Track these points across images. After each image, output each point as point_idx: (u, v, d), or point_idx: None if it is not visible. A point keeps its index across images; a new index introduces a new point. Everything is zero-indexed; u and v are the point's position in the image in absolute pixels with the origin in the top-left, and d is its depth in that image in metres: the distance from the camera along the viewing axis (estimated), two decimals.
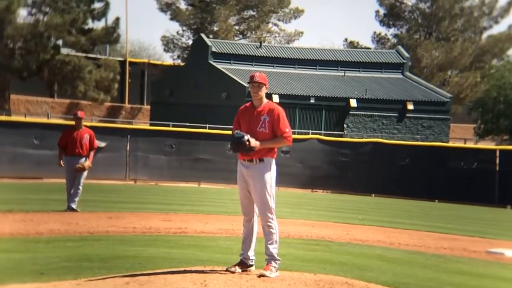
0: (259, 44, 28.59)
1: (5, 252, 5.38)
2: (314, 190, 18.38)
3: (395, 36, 36.87)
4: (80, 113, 8.91)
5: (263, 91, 4.41)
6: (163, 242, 6.34)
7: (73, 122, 9.11)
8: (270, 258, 4.33)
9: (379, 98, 26.32)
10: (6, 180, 14.95)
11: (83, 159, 8.68)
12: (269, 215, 4.34)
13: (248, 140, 4.29)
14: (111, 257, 5.22)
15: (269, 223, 4.35)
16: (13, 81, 25.13)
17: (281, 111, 4.42)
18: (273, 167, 4.39)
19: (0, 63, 23.98)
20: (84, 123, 8.96)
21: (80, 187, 8.58)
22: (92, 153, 8.73)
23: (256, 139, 4.31)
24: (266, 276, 4.23)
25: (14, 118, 20.83)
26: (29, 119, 21.07)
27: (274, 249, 4.34)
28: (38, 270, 4.54)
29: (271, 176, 4.34)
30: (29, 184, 14.55)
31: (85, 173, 8.69)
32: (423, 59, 33.97)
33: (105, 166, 15.87)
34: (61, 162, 8.64)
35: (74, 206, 8.58)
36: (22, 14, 24.54)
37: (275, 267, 4.31)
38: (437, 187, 17.36)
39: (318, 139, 18.95)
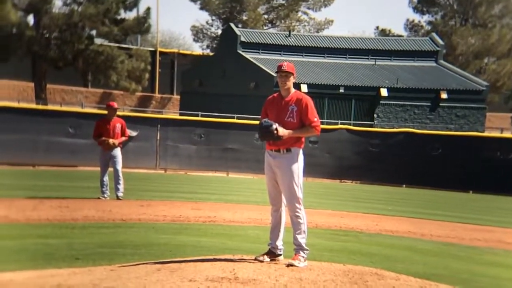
0: (288, 33, 28.35)
1: (41, 238, 5.57)
2: (342, 180, 18.22)
3: (429, 23, 35.85)
4: (114, 104, 9.09)
5: (291, 81, 4.39)
6: (193, 230, 6.44)
7: (105, 112, 9.31)
8: (299, 248, 4.35)
9: (411, 87, 25.72)
10: (42, 168, 15.46)
11: (117, 150, 8.87)
12: (296, 205, 4.35)
13: (276, 129, 4.29)
14: (143, 244, 5.33)
15: (297, 213, 4.36)
16: (49, 70, 25.82)
17: (309, 100, 4.40)
18: (301, 157, 4.39)
19: (37, 52, 24.65)
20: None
21: (120, 175, 8.75)
22: (123, 138, 8.89)
23: (284, 129, 4.31)
24: (295, 266, 4.25)
25: (50, 107, 21.40)
26: (65, 108, 21.62)
27: (302, 239, 4.35)
28: (74, 255, 4.70)
29: (298, 166, 4.34)
30: (64, 171, 14.97)
31: (120, 161, 8.86)
32: (458, 46, 32.95)
33: (136, 155, 16.18)
34: (103, 140, 8.69)
35: (120, 194, 8.75)
36: (58, 4, 25.17)
37: (303, 257, 4.33)
38: (472, 177, 16.93)
39: (347, 129, 18.74)
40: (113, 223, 6.69)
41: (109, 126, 8.89)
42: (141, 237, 5.82)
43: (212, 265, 4.17)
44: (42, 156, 15.82)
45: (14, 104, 19.54)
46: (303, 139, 4.41)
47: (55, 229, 6.11)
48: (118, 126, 8.94)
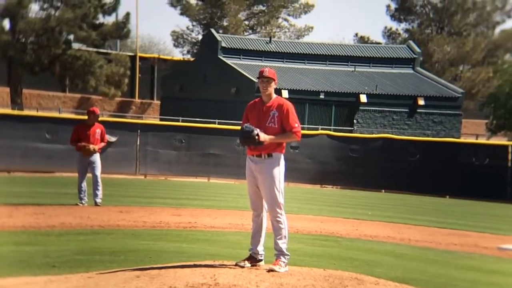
0: (268, 39, 28.52)
1: (16, 245, 5.45)
2: (323, 185, 18.34)
3: (406, 31, 36.52)
4: (96, 110, 8.98)
5: (272, 87, 4.41)
6: (173, 236, 6.38)
7: (85, 117, 9.17)
8: (279, 253, 4.35)
9: (390, 94, 26.14)
10: (18, 174, 15.12)
11: (96, 155, 8.76)
12: (278, 210, 4.35)
13: (257, 134, 4.30)
14: (122, 251, 5.26)
15: (278, 218, 4.36)
16: (25, 75, 25.36)
17: (290, 106, 4.42)
18: (282, 162, 4.40)
19: (12, 57, 24.22)
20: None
21: (99, 181, 8.64)
22: (102, 144, 8.79)
23: (266, 134, 4.32)
24: (275, 271, 4.24)
25: (26, 112, 21.02)
26: (41, 113, 21.23)
27: (283, 244, 4.35)
28: (50, 263, 4.60)
29: (279, 172, 4.35)
30: (41, 177, 14.69)
31: (99, 167, 8.74)
32: (434, 54, 33.62)
33: (115, 160, 15.97)
34: (83, 145, 8.59)
35: (98, 200, 8.63)
36: (34, 9, 24.76)
37: (284, 262, 4.32)
38: (448, 183, 17.24)
39: (328, 135, 18.89)
40: (91, 229, 6.59)
41: (89, 131, 8.78)
42: (120, 243, 5.75)
43: (192, 271, 4.13)
44: (18, 162, 15.49)
45: None
46: (284, 145, 4.42)
47: (30, 236, 5.99)
48: (98, 131, 8.83)
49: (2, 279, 4.01)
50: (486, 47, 34.37)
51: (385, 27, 37.31)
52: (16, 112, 19.51)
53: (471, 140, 24.13)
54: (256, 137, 4.30)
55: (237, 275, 4.08)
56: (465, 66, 35.32)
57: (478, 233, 8.74)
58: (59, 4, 24.49)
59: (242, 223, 7.47)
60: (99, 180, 8.70)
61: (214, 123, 20.29)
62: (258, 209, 4.43)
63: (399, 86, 26.86)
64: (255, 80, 23.45)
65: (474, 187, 16.86)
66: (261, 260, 4.43)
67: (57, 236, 6.03)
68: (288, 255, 4.36)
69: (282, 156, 4.41)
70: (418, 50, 28.74)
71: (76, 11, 23.95)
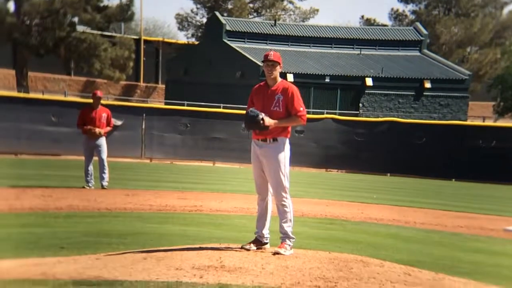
0: (273, 22, 28.23)
1: (25, 227, 5.51)
2: (328, 169, 18.34)
3: (413, 12, 36.03)
4: (99, 93, 8.99)
5: (277, 70, 4.38)
6: (179, 219, 6.42)
7: (90, 101, 9.20)
8: (285, 236, 4.37)
9: (396, 77, 25.92)
10: (24, 156, 15.23)
11: (102, 139, 8.79)
12: (283, 194, 4.36)
13: (262, 119, 4.29)
14: (129, 233, 5.31)
15: (283, 202, 4.38)
16: (30, 58, 25.31)
17: (295, 89, 4.39)
18: (287, 146, 4.39)
19: (17, 40, 24.15)
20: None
21: (105, 164, 8.68)
22: (108, 128, 8.82)
23: (271, 118, 4.31)
24: (281, 254, 4.28)
25: (32, 95, 21.04)
26: (47, 96, 21.28)
27: (288, 227, 4.38)
28: (58, 244, 4.65)
29: (285, 156, 4.34)
30: (47, 160, 14.78)
31: (105, 150, 8.79)
32: (441, 35, 33.21)
33: (121, 144, 16.03)
34: (89, 129, 8.62)
35: (105, 183, 8.69)
36: None
37: (289, 245, 4.35)
38: (455, 166, 17.17)
39: (333, 119, 18.82)
40: (98, 212, 6.64)
41: (95, 115, 8.79)
42: (127, 226, 5.79)
43: (198, 253, 4.16)
44: (24, 145, 15.58)
45: None
46: (289, 129, 4.41)
47: (38, 218, 6.04)
48: (104, 115, 8.85)
49: (11, 260, 4.07)
50: (494, 28, 33.86)
51: (392, 9, 36.94)
52: (22, 94, 19.55)
53: (478, 122, 23.96)
54: (261, 121, 4.28)
55: (243, 257, 4.11)
56: (473, 47, 34.89)
57: (485, 216, 8.73)
58: None
59: (247, 207, 7.51)
60: (105, 163, 8.75)
61: (219, 107, 20.24)
62: (263, 193, 4.44)
63: (405, 69, 26.61)
64: (260, 63, 23.30)
65: (481, 170, 16.80)
66: (266, 243, 4.45)
67: (65, 218, 6.08)
68: (293, 238, 4.38)
69: (287, 140, 4.40)
70: (425, 32, 28.37)
71: None
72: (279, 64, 4.38)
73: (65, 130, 15.26)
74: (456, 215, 8.54)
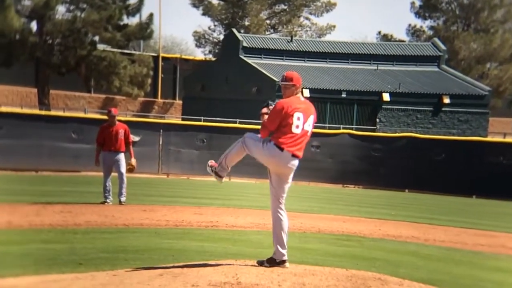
0: (290, 38, 28.41)
1: (44, 243, 5.59)
2: (345, 185, 18.20)
3: (431, 28, 35.86)
4: (114, 111, 9.12)
5: (288, 90, 4.42)
6: (195, 235, 6.44)
7: (107, 117, 9.34)
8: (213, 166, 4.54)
9: (413, 92, 25.71)
10: (45, 173, 15.49)
11: (120, 154, 8.92)
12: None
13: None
14: (146, 249, 5.34)
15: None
16: (52, 76, 25.92)
17: (277, 105, 4.37)
18: (270, 151, 4.30)
19: (40, 58, 24.78)
20: (118, 118, 9.18)
21: (124, 179, 8.79)
22: (132, 149, 8.97)
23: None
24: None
25: (53, 112, 21.48)
26: (68, 113, 21.68)
27: (223, 156, 4.51)
28: (76, 261, 4.71)
29: (267, 162, 4.33)
30: (67, 177, 15.00)
31: (124, 165, 8.90)
32: (460, 51, 32.93)
33: (138, 160, 15.91)
34: (98, 161, 8.87)
35: (123, 199, 8.78)
36: (61, 11, 25.29)
37: (215, 167, 4.50)
38: (475, 182, 16.86)
39: (349, 134, 18.72)
40: (115, 228, 6.70)
41: (113, 131, 8.93)
42: (144, 242, 5.83)
43: (214, 270, 4.17)
44: (45, 161, 15.86)
45: (18, 110, 19.60)
46: (277, 135, 4.33)
47: (57, 234, 6.13)
48: (121, 132, 8.97)
49: (30, 277, 4.12)
50: None
51: (409, 25, 36.74)
52: (43, 112, 19.99)
53: (499, 139, 23.54)
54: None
55: (259, 274, 4.09)
56: (492, 63, 34.47)
57: (506, 234, 8.56)
58: (84, 5, 24.95)
59: (264, 223, 7.48)
60: (125, 178, 8.84)
61: (235, 122, 20.34)
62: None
63: (423, 84, 26.40)
64: (276, 79, 23.30)
65: (501, 187, 16.46)
66: (285, 260, 4.42)
67: (83, 234, 6.15)
68: (220, 167, 4.47)
69: (271, 145, 4.32)
70: (443, 47, 28.18)
71: (101, 12, 24.35)
72: (288, 84, 4.40)
73: (85, 147, 15.50)
74: (476, 233, 8.40)
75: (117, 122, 9.03)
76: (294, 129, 4.33)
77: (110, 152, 8.91)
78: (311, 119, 4.41)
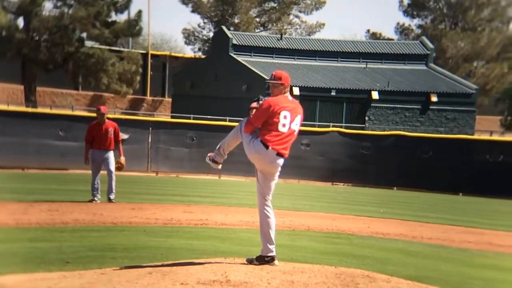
0: (279, 36, 28.43)
1: (31, 241, 5.53)
2: (334, 183, 18.28)
3: (419, 26, 36.16)
4: (103, 109, 9.05)
5: (276, 88, 4.43)
6: (185, 233, 6.42)
7: (95, 115, 9.27)
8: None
9: (402, 90, 25.91)
10: (32, 171, 15.32)
11: (110, 152, 8.86)
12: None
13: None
14: (134, 247, 5.31)
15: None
16: (39, 73, 25.62)
17: (264, 104, 4.36)
18: (256, 148, 4.32)
19: (26, 55, 24.48)
20: (106, 116, 9.10)
21: (113, 177, 8.74)
22: (121, 147, 8.90)
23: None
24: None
25: (40, 110, 21.25)
26: (55, 111, 21.45)
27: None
28: (64, 259, 4.66)
29: (252, 159, 4.34)
30: (54, 174, 14.85)
31: (113, 163, 8.84)
32: (448, 50, 33.26)
33: (127, 158, 15.95)
34: (87, 159, 8.79)
35: (112, 197, 8.73)
36: (48, 7, 25.01)
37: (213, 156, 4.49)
38: (462, 180, 17.04)
39: (339, 132, 18.79)
40: (104, 226, 6.65)
41: (102, 129, 8.86)
42: (132, 240, 5.80)
43: (203, 268, 4.16)
44: (32, 159, 15.68)
45: (4, 107, 19.33)
46: (264, 137, 4.34)
47: (45, 232, 6.07)
48: (111, 130, 8.90)
49: (18, 275, 4.08)
50: (500, 43, 33.86)
51: (398, 23, 37.03)
52: (30, 109, 19.75)
53: (486, 137, 23.83)
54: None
55: (248, 272, 4.09)
56: (479, 62, 34.86)
57: (493, 231, 8.65)
58: (72, 2, 24.69)
59: (253, 221, 7.48)
60: (113, 176, 8.78)
61: (225, 120, 20.31)
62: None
63: (411, 82, 26.61)
64: (266, 77, 23.25)
65: (488, 184, 16.66)
66: (274, 258, 4.42)
67: (71, 233, 6.10)
68: (217, 153, 4.54)
69: (257, 141, 4.33)
70: (431, 46, 28.41)
71: (89, 9, 24.11)
72: (276, 84, 4.41)
73: (72, 144, 15.35)
74: (464, 230, 8.46)
75: (106, 120, 8.96)
76: (280, 128, 4.32)
77: (99, 151, 8.84)
78: (298, 118, 4.39)
